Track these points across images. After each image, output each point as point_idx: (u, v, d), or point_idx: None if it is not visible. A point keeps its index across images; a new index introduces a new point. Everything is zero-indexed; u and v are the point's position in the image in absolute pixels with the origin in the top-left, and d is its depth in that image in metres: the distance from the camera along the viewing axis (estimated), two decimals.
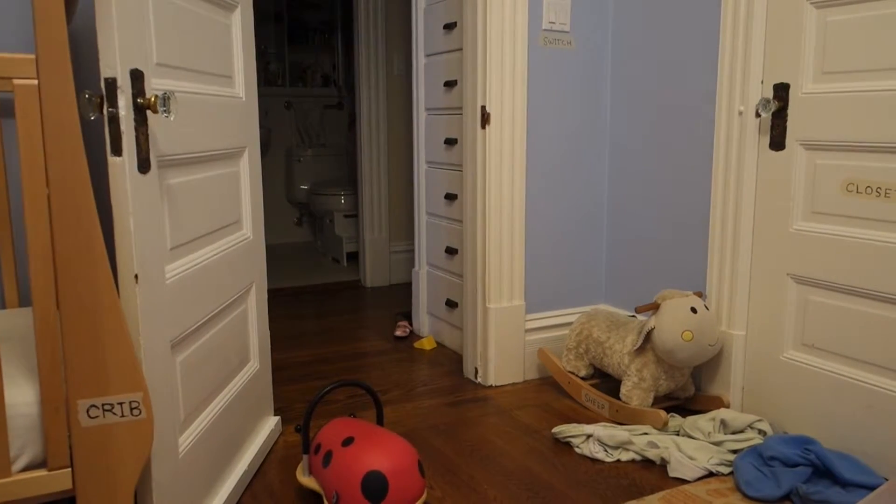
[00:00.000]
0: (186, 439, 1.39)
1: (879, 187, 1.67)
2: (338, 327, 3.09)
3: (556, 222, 2.46)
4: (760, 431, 1.84)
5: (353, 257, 4.16)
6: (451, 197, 2.63)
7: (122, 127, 1.14)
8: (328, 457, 1.51)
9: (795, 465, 1.62)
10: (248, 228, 1.79)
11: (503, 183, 2.30)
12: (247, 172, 1.77)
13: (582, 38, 2.40)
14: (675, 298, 1.99)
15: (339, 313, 3.34)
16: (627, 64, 2.39)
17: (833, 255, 1.76)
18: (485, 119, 2.25)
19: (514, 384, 2.38)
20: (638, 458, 1.82)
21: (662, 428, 1.92)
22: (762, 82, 1.88)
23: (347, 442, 1.51)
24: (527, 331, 2.41)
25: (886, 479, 1.52)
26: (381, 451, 1.47)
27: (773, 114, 1.86)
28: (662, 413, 1.92)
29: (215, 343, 1.56)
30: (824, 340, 1.81)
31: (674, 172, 2.23)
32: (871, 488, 1.45)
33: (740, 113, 1.93)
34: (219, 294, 1.57)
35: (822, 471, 1.59)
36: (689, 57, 2.13)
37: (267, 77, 5.00)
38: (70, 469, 1.14)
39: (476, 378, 2.40)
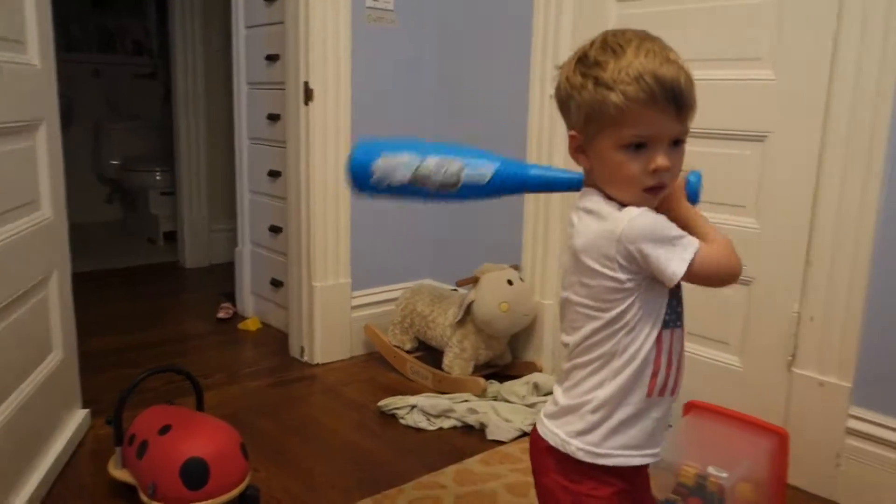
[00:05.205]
0: None
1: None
2: (155, 311, 2.93)
3: (382, 200, 2.48)
4: None
5: (171, 237, 3.92)
6: (274, 174, 2.57)
7: None
8: (143, 447, 1.45)
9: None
10: (48, 208, 1.65)
11: (328, 160, 2.28)
12: (44, 147, 1.62)
13: (406, 17, 2.42)
14: (492, 272, 2.10)
15: (155, 296, 3.17)
16: (450, 45, 2.46)
17: None
18: (308, 95, 2.22)
19: (340, 361, 2.39)
20: (459, 424, 1.91)
21: (481, 394, 2.02)
22: None
23: (164, 430, 1.45)
24: (353, 308, 2.43)
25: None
26: (201, 437, 1.43)
27: None
28: (481, 380, 2.03)
29: (7, 335, 1.43)
30: None
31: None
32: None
33: (551, 97, 2.05)
34: (10, 282, 1.44)
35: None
36: (506, 42, 2.23)
37: (69, 42, 4.56)
38: None
39: (302, 357, 2.38)
